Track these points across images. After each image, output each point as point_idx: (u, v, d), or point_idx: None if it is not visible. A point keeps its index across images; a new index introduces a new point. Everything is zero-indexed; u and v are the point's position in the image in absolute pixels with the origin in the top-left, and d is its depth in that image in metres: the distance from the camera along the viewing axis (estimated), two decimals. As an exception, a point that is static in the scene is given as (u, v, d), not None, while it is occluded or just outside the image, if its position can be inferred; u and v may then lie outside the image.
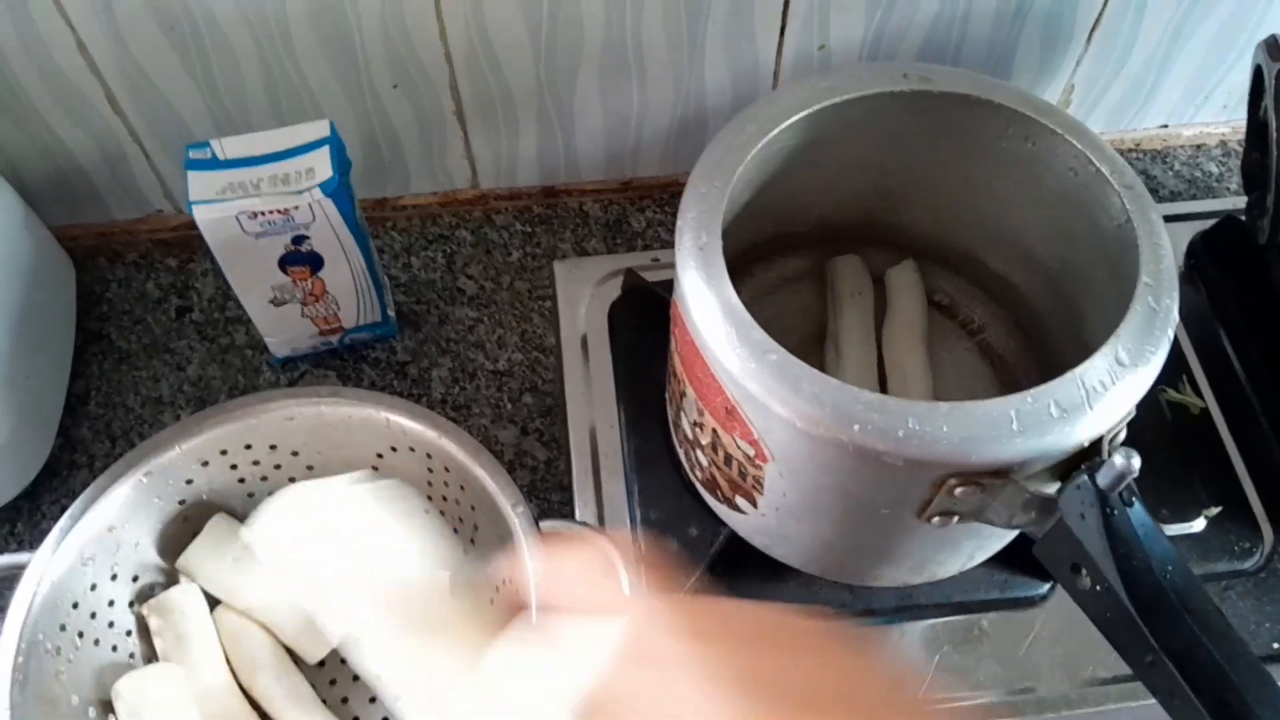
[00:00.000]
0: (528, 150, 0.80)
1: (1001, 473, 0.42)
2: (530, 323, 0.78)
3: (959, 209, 0.59)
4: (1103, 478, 0.41)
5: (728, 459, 0.50)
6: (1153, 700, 0.56)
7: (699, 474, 0.55)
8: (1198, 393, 0.66)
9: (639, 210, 0.84)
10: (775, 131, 0.50)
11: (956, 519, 0.45)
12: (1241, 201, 0.75)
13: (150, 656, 0.62)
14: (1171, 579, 0.40)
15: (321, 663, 0.63)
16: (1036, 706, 0.56)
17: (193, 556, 0.62)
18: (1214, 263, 0.69)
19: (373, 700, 0.63)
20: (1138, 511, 0.41)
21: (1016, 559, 0.58)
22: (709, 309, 0.44)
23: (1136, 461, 0.40)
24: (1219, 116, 0.88)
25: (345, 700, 0.63)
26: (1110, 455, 0.40)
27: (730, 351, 0.43)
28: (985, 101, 0.51)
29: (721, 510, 0.55)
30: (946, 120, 0.53)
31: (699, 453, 0.53)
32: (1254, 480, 0.64)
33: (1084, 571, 0.42)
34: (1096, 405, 0.42)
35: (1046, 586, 0.59)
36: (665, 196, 0.84)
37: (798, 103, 0.51)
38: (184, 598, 0.61)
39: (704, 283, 0.45)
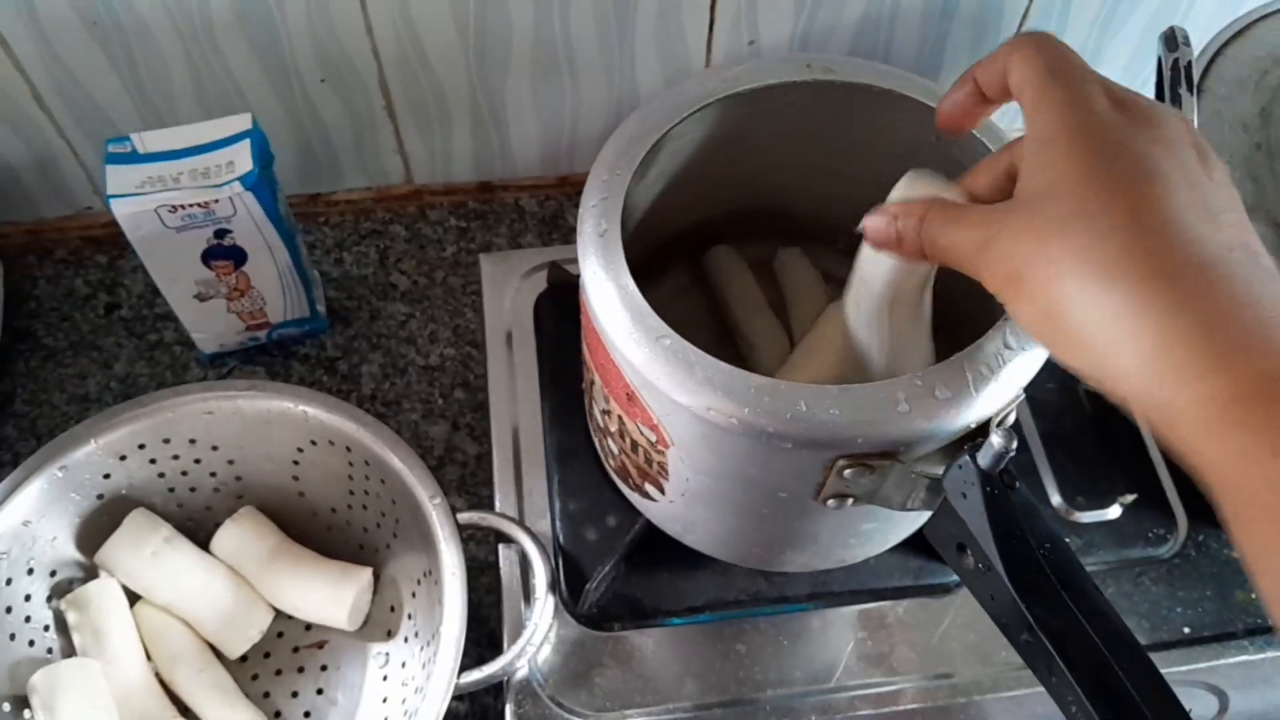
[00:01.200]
0: (462, 146, 0.80)
1: (889, 454, 0.42)
2: (463, 317, 0.78)
3: (872, 199, 0.59)
4: (983, 457, 0.41)
5: (634, 445, 0.50)
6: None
7: (612, 462, 0.55)
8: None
9: (575, 205, 0.83)
10: (679, 121, 0.50)
11: (851, 501, 0.45)
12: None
13: (70, 652, 0.61)
14: (1051, 558, 0.40)
15: (244, 657, 0.63)
16: (951, 692, 0.57)
17: (111, 551, 0.61)
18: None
19: (295, 695, 0.63)
20: (1020, 493, 0.42)
21: (929, 547, 0.59)
22: (607, 295, 0.45)
23: (1014, 442, 0.40)
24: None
25: (267, 695, 0.63)
26: (989, 437, 0.40)
27: (627, 337, 0.44)
28: (886, 91, 0.51)
29: (634, 498, 0.56)
30: (852, 112, 0.54)
31: (610, 440, 0.53)
32: (1169, 469, 0.64)
33: (968, 551, 0.42)
34: (983, 389, 0.43)
35: (960, 574, 0.60)
36: (599, 192, 0.84)
37: (703, 93, 0.51)
38: (101, 592, 0.61)
39: (602, 269, 0.45)
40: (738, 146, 0.55)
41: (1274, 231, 0.55)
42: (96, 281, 0.79)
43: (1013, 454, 0.40)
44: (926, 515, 0.53)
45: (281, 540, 0.64)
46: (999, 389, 0.43)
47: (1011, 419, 0.44)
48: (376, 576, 0.64)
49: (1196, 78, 0.60)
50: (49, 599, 0.60)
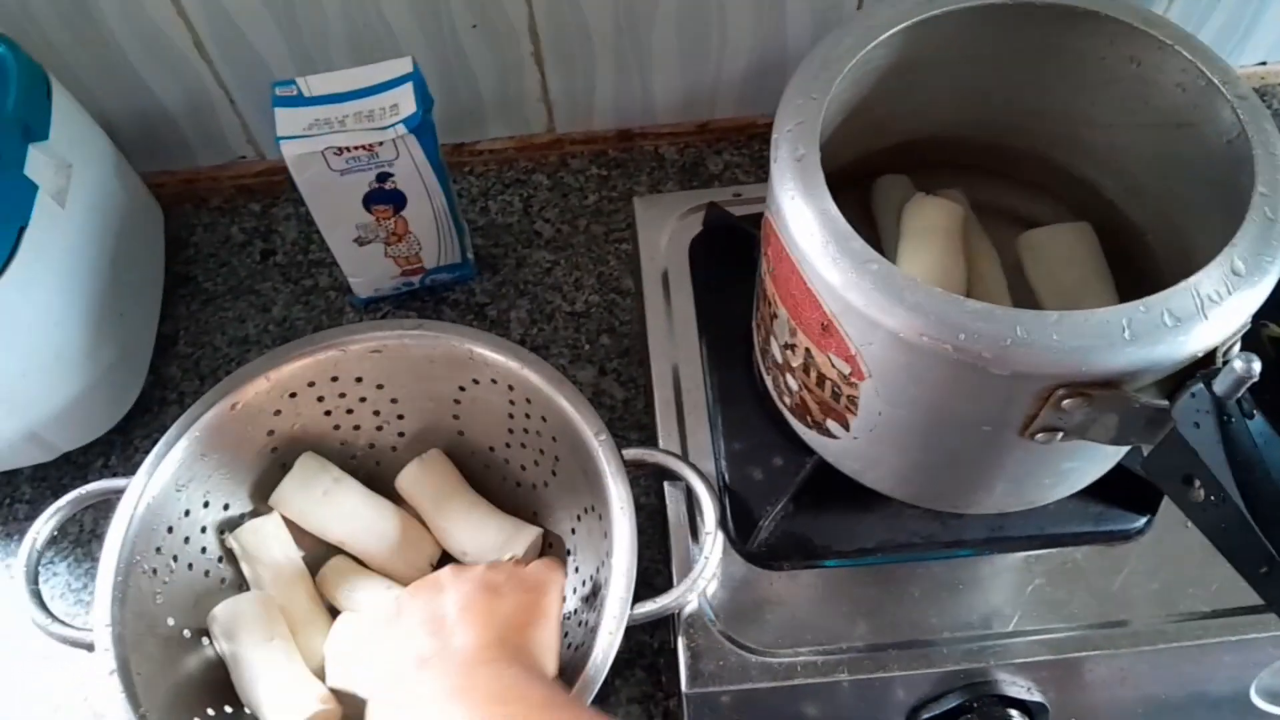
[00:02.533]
0: (604, 93, 0.80)
1: (1112, 383, 0.41)
2: (607, 265, 0.78)
3: (1059, 132, 0.57)
4: (1220, 384, 0.39)
5: (820, 380, 0.49)
6: (1252, 635, 0.55)
7: (787, 400, 0.55)
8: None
9: (716, 153, 0.83)
10: (872, 45, 0.49)
11: (1061, 435, 0.44)
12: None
13: (240, 583, 0.63)
14: (1291, 487, 0.38)
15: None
16: (1132, 640, 0.55)
17: (285, 493, 0.63)
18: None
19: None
20: (1257, 422, 0.40)
21: (1112, 491, 0.57)
22: (807, 221, 0.44)
23: (1257, 365, 0.38)
24: (1319, 54, 0.85)
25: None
26: (1229, 362, 0.38)
27: (829, 263, 0.43)
28: (1090, 13, 0.49)
29: (810, 436, 0.55)
30: (1047, 38, 0.52)
31: (789, 377, 0.52)
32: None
33: (1196, 483, 0.40)
34: (1211, 315, 0.41)
35: (1143, 520, 0.58)
36: (743, 139, 0.83)
37: (895, 16, 0.50)
38: (265, 527, 0.62)
39: (801, 195, 0.44)
40: (920, 74, 0.53)
41: None
42: (251, 229, 0.81)
43: (1254, 380, 0.38)
44: (1121, 451, 0.52)
45: (461, 487, 0.65)
46: (1227, 316, 0.41)
47: (1236, 349, 0.42)
48: (534, 513, 0.65)
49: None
50: (221, 531, 0.62)
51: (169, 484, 0.58)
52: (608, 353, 0.74)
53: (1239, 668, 0.56)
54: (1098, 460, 0.51)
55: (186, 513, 0.60)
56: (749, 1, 0.73)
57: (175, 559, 0.59)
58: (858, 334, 0.44)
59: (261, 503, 0.64)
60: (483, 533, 0.62)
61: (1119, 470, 0.54)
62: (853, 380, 0.47)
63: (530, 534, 0.62)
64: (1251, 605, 0.56)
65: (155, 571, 0.57)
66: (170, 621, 0.58)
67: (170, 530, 0.59)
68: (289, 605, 0.61)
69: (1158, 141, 0.53)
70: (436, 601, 0.51)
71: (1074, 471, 0.51)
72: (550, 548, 0.64)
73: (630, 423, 0.71)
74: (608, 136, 0.84)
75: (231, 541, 0.62)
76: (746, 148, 0.83)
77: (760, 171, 0.81)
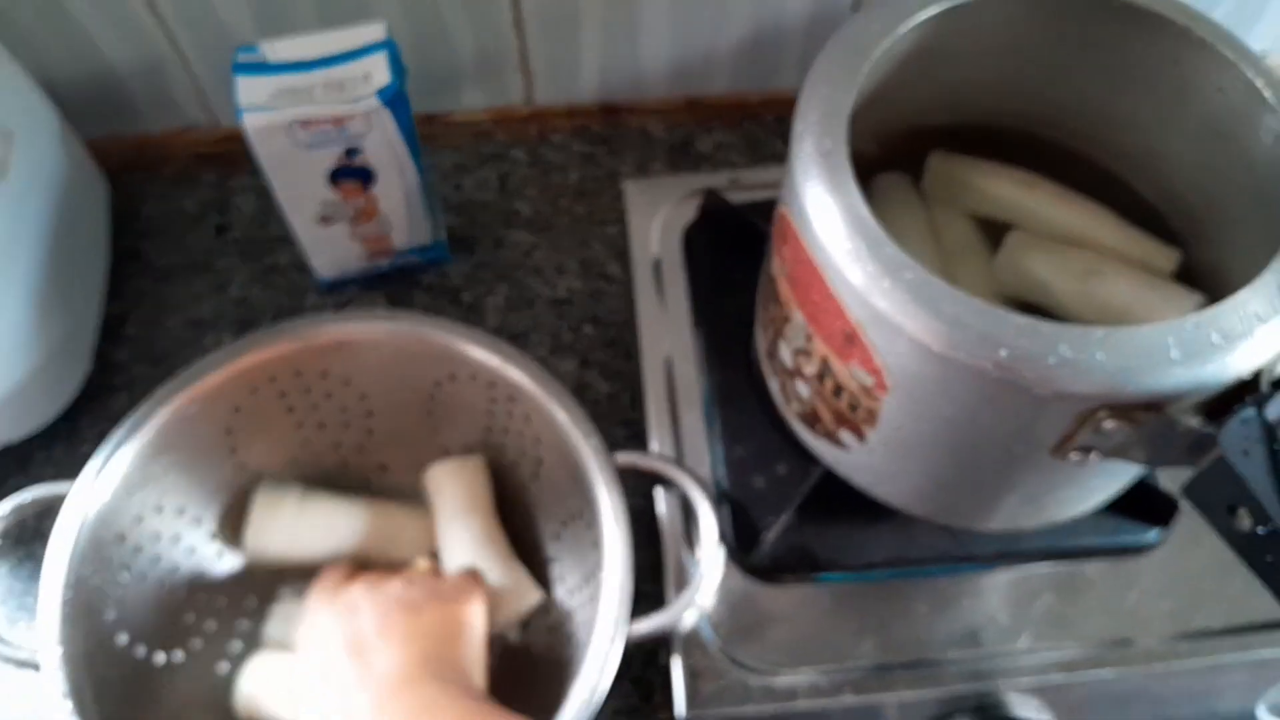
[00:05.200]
0: (589, 61, 0.75)
1: (1156, 405, 0.38)
2: (591, 249, 0.74)
3: (1094, 130, 0.54)
4: (1273, 410, 0.37)
5: (837, 390, 0.45)
6: (1264, 652, 0.53)
7: (796, 407, 0.51)
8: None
9: (706, 132, 0.79)
10: (900, 30, 0.45)
11: (1094, 454, 0.41)
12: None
13: (208, 598, 0.58)
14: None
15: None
16: (1145, 657, 0.53)
17: (254, 539, 0.58)
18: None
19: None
20: (1311, 451, 0.37)
21: (1125, 504, 0.54)
22: (834, 223, 0.40)
23: (1315, 394, 0.36)
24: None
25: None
26: None
27: (859, 269, 0.39)
28: (1130, 7, 0.46)
29: (819, 445, 0.51)
30: (1083, 31, 0.48)
31: (799, 384, 0.49)
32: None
33: (1242, 512, 0.38)
34: (1259, 333, 0.38)
35: (1156, 533, 0.55)
36: (735, 118, 0.79)
37: (921, 2, 0.46)
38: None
39: (829, 194, 0.40)
40: (956, 62, 0.50)
41: None
42: (207, 201, 0.75)
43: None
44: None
45: (487, 510, 0.59)
46: (1273, 334, 0.38)
47: (1280, 368, 0.40)
48: (514, 519, 0.61)
49: None
50: (177, 538, 0.58)
51: (119, 489, 0.53)
52: (591, 343, 0.70)
53: (1248, 685, 0.54)
54: (1125, 477, 0.48)
55: (139, 519, 0.55)
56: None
57: (128, 569, 0.54)
58: (885, 345, 0.41)
59: (222, 504, 0.59)
60: (485, 571, 0.57)
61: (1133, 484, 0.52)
62: (875, 393, 0.43)
63: (532, 597, 0.57)
64: (1262, 622, 0.54)
65: (105, 584, 0.53)
66: (124, 638, 0.53)
67: (122, 539, 0.54)
68: None
69: (1197, 150, 0.50)
70: (354, 624, 0.50)
71: (1100, 489, 0.49)
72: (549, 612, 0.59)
73: (615, 419, 0.67)
74: (591, 111, 0.79)
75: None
76: (738, 128, 0.79)
77: (754, 154, 0.77)
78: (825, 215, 0.40)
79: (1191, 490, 0.40)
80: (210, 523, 0.59)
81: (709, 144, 0.78)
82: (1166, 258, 0.52)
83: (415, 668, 0.47)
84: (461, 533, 0.58)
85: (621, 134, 0.79)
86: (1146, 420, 0.39)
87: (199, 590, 0.58)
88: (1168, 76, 0.48)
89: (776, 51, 0.74)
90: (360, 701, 0.46)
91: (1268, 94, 0.45)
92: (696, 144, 0.78)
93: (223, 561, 0.59)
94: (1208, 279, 0.50)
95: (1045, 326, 0.38)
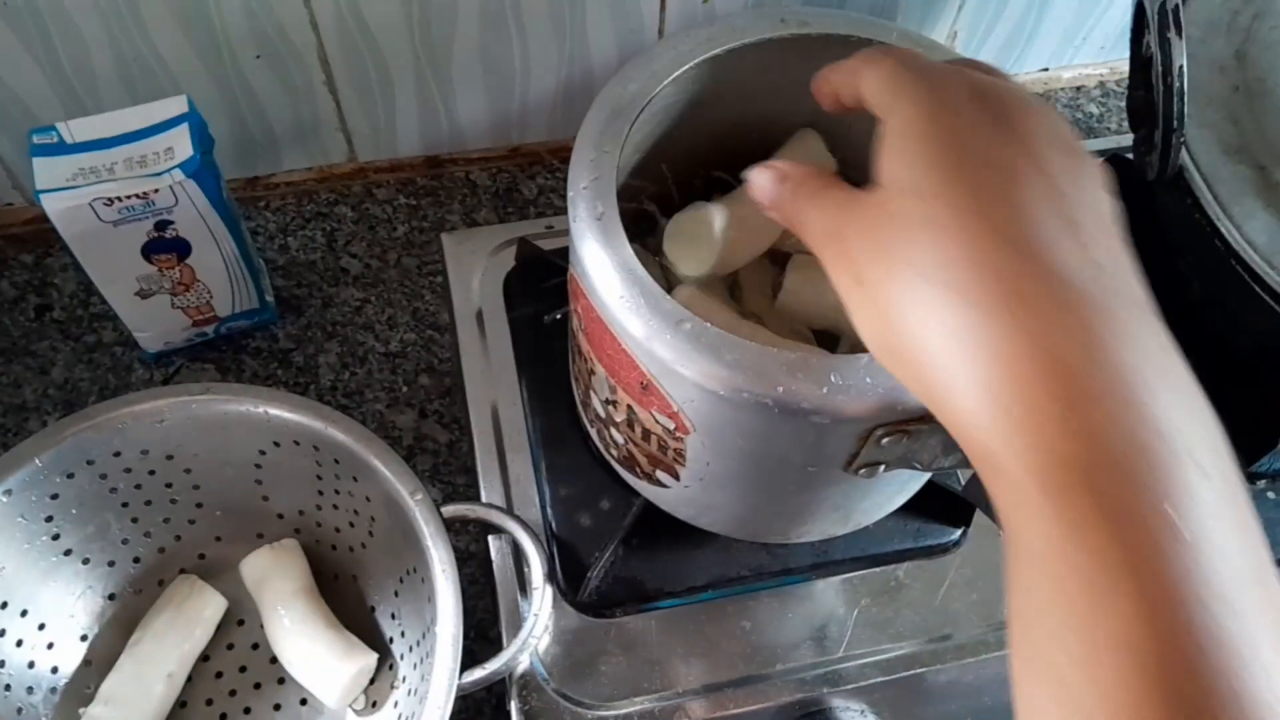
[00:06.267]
0: (407, 119, 0.76)
1: (927, 417, 0.41)
2: (422, 300, 0.75)
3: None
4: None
5: (645, 434, 0.48)
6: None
7: (615, 452, 0.53)
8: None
9: (529, 177, 0.81)
10: (659, 89, 0.47)
11: (883, 468, 0.44)
12: (1123, 140, 0.76)
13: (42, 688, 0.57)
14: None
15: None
16: (957, 653, 0.56)
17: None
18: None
19: (278, 708, 0.60)
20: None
21: (928, 507, 0.58)
22: (615, 283, 0.42)
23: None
24: (1096, 58, 0.89)
25: (258, 685, 0.60)
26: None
27: (642, 325, 0.41)
28: (866, 41, 0.50)
29: (642, 486, 0.53)
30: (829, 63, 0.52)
31: (613, 431, 0.51)
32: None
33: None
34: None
35: (959, 533, 0.59)
36: (555, 162, 0.81)
37: (678, 57, 0.49)
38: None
39: (607, 256, 0.43)
40: (718, 105, 0.52)
41: (1257, 174, 0.54)
42: (24, 282, 0.74)
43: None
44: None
45: (307, 589, 0.60)
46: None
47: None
48: (353, 577, 0.62)
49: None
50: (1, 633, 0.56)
51: (-70, 589, 0.52)
52: (428, 393, 0.71)
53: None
54: (917, 479, 0.52)
55: (-44, 617, 0.54)
56: (549, 23, 0.71)
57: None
58: (678, 392, 0.43)
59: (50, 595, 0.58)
60: (313, 644, 0.57)
61: (931, 488, 0.56)
62: (678, 435, 0.46)
63: (363, 659, 0.57)
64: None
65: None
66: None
67: (-65, 640, 0.53)
68: None
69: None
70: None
71: (898, 492, 0.52)
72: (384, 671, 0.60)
73: (456, 467, 0.68)
74: (415, 163, 0.80)
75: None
76: (560, 170, 0.81)
77: (573, 197, 0.79)
78: (604, 276, 0.42)
79: (970, 489, 0.44)
80: (39, 613, 0.57)
81: (533, 188, 0.80)
82: None
83: None
84: (284, 619, 0.58)
85: (447, 184, 0.80)
86: (919, 432, 0.42)
87: (30, 681, 0.57)
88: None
89: (588, 95, 0.76)
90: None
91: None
92: (521, 189, 0.80)
93: (53, 651, 0.58)
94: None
95: (814, 359, 0.40)
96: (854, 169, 0.53)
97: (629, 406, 0.47)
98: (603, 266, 0.43)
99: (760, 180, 0.39)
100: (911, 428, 0.42)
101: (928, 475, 0.53)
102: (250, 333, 0.72)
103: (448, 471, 0.68)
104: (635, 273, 0.42)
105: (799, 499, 0.50)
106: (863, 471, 0.45)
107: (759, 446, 0.44)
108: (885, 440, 0.42)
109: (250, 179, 0.78)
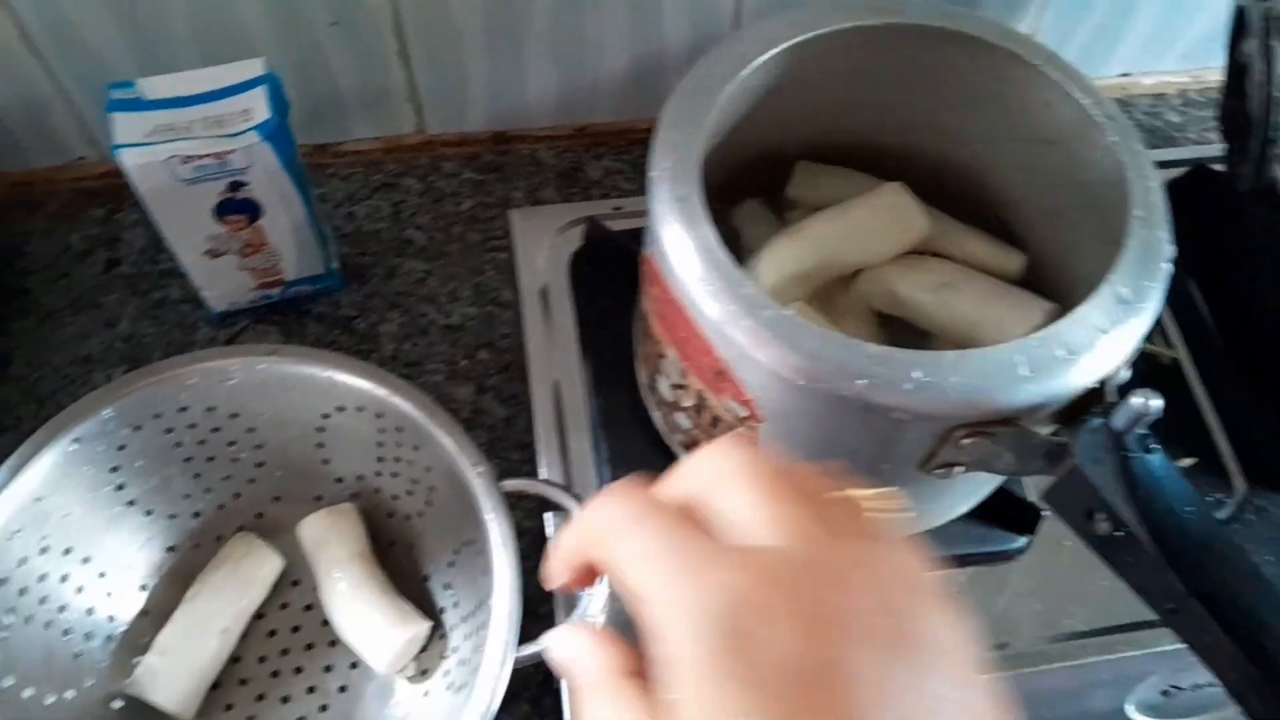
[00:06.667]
0: (477, 94, 0.76)
1: (1010, 420, 0.40)
2: (484, 275, 0.74)
3: (931, 148, 0.57)
4: (1118, 419, 0.39)
5: (715, 421, 0.47)
6: (1129, 652, 0.56)
7: (680, 437, 0.53)
8: (1168, 343, 0.66)
9: (595, 158, 0.80)
10: (745, 72, 0.47)
11: (960, 469, 0.43)
12: (1205, 150, 0.75)
13: (100, 635, 0.57)
14: (1195, 522, 0.38)
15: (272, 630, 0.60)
16: (1015, 662, 0.55)
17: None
18: (1185, 212, 0.67)
19: (328, 668, 0.60)
20: (1157, 457, 0.40)
21: (993, 513, 0.57)
22: (694, 265, 0.42)
23: (1156, 403, 0.38)
24: (1179, 65, 0.87)
25: (299, 670, 0.60)
26: (1127, 397, 0.38)
27: (720, 309, 0.41)
28: (956, 33, 0.49)
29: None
30: (917, 55, 0.51)
31: (680, 415, 0.50)
32: (1225, 431, 0.63)
33: (1099, 517, 0.40)
34: (1100, 345, 0.41)
35: (1024, 540, 0.58)
36: (623, 144, 0.80)
37: (765, 41, 0.48)
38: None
39: (688, 239, 0.42)
40: (801, 92, 0.52)
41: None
42: (94, 236, 0.74)
43: (1152, 417, 0.38)
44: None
45: (364, 554, 0.60)
46: (1117, 344, 0.41)
47: (1125, 376, 0.42)
48: (409, 546, 0.62)
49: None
50: (64, 578, 0.57)
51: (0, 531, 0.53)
52: (486, 368, 0.71)
53: (1116, 684, 0.57)
54: (990, 484, 0.51)
55: (23, 560, 0.54)
56: (625, 5, 0.70)
57: (13, 612, 0.53)
58: (753, 380, 0.42)
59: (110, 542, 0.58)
60: (364, 614, 0.57)
61: (999, 493, 0.55)
62: (750, 424, 0.45)
63: (416, 627, 0.57)
64: (1126, 623, 0.57)
65: (-13, 626, 0.52)
66: (9, 681, 0.52)
67: (4, 582, 0.53)
68: None
69: (1025, 155, 0.53)
70: None
71: (968, 496, 0.51)
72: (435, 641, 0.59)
73: (512, 443, 0.68)
74: (482, 139, 0.80)
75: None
76: (627, 153, 0.80)
77: (641, 179, 0.78)
78: (685, 259, 0.42)
79: (1051, 497, 0.43)
80: (100, 561, 0.58)
81: (599, 170, 0.80)
82: (1012, 262, 0.55)
83: None
84: (339, 583, 0.58)
85: (513, 161, 0.80)
86: (1003, 434, 0.41)
87: (89, 628, 0.57)
88: (991, 92, 0.51)
89: (659, 78, 0.76)
90: None
91: (1092, 110, 0.48)
92: (586, 170, 0.80)
93: (112, 599, 0.59)
94: (1053, 282, 0.53)
95: (899, 354, 0.39)
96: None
97: (699, 392, 0.47)
98: (684, 248, 0.42)
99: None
100: (993, 430, 0.41)
101: (1001, 479, 0.52)
102: (315, 297, 0.72)
103: (503, 447, 0.68)
104: (717, 257, 0.42)
105: (867, 496, 0.49)
106: (938, 472, 0.44)
107: (833, 438, 0.44)
108: (965, 441, 0.41)
109: (319, 145, 0.78)
